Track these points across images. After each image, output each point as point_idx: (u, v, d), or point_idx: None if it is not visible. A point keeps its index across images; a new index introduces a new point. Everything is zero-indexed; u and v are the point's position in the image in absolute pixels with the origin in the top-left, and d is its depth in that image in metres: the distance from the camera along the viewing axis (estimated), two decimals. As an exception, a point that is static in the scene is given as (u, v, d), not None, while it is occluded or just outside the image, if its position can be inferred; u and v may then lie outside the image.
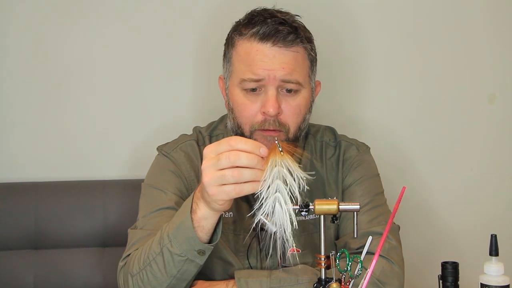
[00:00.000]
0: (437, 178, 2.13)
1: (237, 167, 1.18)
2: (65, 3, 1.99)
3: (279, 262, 1.48)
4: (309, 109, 1.56)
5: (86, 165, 2.01)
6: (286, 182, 1.18)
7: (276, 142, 1.21)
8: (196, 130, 1.69)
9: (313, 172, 1.24)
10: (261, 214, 1.22)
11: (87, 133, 2.02)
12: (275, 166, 1.18)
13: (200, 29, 2.02)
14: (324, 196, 1.60)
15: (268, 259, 1.51)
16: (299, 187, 1.18)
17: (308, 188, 1.19)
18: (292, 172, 1.18)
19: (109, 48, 2.02)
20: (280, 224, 1.18)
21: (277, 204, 1.17)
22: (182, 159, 1.60)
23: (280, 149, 1.19)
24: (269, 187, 1.17)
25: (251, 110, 1.50)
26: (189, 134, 1.68)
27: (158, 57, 2.03)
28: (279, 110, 1.48)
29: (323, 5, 2.05)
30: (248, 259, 1.54)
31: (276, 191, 1.17)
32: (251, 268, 1.54)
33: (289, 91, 1.50)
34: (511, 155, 2.15)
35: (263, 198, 1.17)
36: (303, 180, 1.18)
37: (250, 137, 1.50)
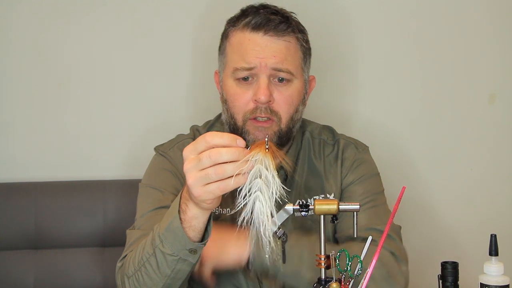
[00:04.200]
0: (437, 178, 2.13)
1: (219, 163, 1.16)
2: (64, 3, 1.99)
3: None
4: (302, 101, 1.58)
5: (86, 165, 2.01)
6: (264, 179, 1.15)
7: (266, 139, 1.19)
8: (194, 128, 1.70)
9: (289, 190, 1.24)
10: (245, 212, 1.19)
11: (87, 133, 2.02)
12: (257, 163, 1.16)
13: (199, 29, 2.02)
14: (322, 191, 1.60)
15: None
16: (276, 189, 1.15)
17: (285, 201, 1.17)
18: (271, 173, 1.16)
19: (109, 48, 2.02)
20: (261, 222, 1.15)
21: (257, 202, 1.15)
22: (179, 158, 1.60)
23: (267, 147, 1.17)
24: (249, 189, 1.16)
25: (243, 99, 1.52)
26: (186, 133, 1.69)
27: (159, 56, 2.03)
28: (271, 98, 1.50)
29: (318, 3, 2.04)
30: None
31: (256, 190, 1.15)
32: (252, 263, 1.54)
33: (281, 80, 1.52)
34: (511, 155, 2.15)
35: (244, 196, 1.15)
36: (277, 188, 1.15)
37: (243, 127, 1.52)
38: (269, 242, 1.16)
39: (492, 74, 2.13)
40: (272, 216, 1.16)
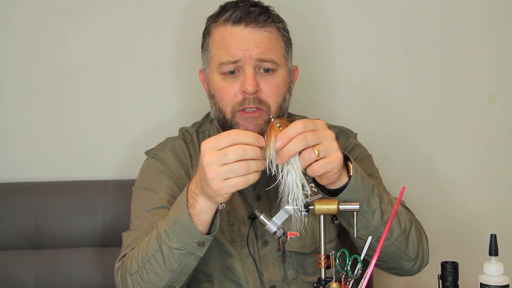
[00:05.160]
0: (437, 178, 2.13)
1: (243, 160, 1.21)
2: (64, 3, 1.99)
3: (278, 247, 1.49)
4: (289, 90, 1.60)
5: (86, 165, 2.01)
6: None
7: (272, 119, 1.26)
8: (182, 129, 1.71)
9: None
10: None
11: (87, 133, 2.02)
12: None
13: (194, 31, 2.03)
14: None
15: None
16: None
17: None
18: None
19: (109, 48, 2.02)
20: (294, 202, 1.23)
21: (290, 175, 1.22)
22: (171, 159, 1.62)
23: (278, 125, 1.24)
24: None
25: (231, 92, 1.53)
26: (174, 136, 1.70)
27: (161, 56, 2.03)
28: (258, 88, 1.52)
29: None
30: (248, 247, 1.55)
31: (287, 164, 1.23)
32: (252, 256, 1.55)
33: (266, 70, 1.54)
34: (511, 155, 2.15)
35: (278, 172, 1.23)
36: None
37: (232, 119, 1.53)
38: (300, 212, 1.24)
39: (491, 74, 2.13)
40: (303, 188, 1.23)
